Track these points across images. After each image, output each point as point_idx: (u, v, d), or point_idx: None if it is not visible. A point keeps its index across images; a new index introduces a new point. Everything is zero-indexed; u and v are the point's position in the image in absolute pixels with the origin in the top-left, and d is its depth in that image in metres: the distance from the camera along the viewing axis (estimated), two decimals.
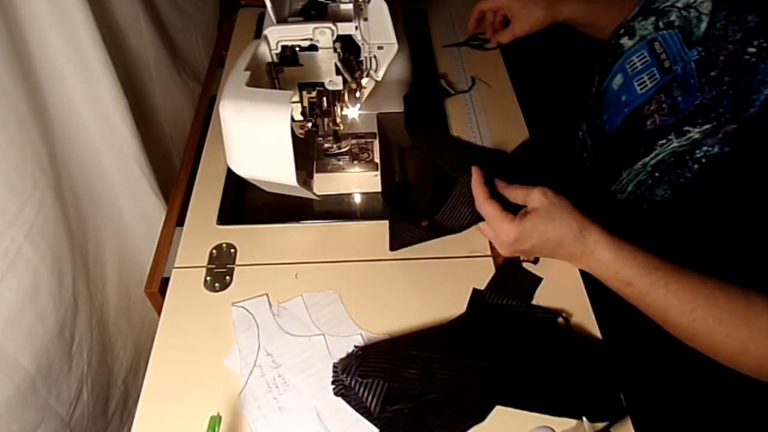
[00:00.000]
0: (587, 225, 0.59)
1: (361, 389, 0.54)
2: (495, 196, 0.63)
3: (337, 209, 0.76)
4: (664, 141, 0.62)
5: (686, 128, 0.59)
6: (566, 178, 0.76)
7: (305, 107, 0.71)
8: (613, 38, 0.73)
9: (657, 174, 0.63)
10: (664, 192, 0.63)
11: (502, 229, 0.61)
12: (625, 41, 0.71)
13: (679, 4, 0.65)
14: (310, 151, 0.78)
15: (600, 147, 0.74)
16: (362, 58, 0.73)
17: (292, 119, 0.64)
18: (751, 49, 0.55)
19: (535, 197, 0.60)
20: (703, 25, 0.61)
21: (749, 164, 0.55)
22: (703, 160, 0.58)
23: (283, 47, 0.66)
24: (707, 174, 0.58)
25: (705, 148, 0.58)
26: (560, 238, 0.59)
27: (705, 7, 0.62)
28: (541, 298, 0.64)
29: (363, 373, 0.54)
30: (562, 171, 0.82)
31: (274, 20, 0.65)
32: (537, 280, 0.65)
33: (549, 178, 0.64)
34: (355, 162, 0.77)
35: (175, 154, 1.00)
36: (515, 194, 0.63)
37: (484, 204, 0.63)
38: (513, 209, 0.62)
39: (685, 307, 0.54)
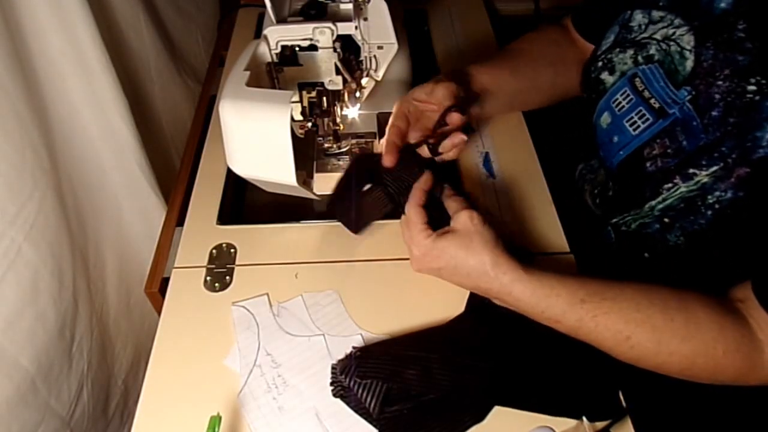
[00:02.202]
0: (501, 263, 0.55)
1: (360, 390, 0.54)
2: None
3: None
4: (670, 185, 0.59)
5: (691, 171, 0.57)
6: (563, 206, 0.74)
7: (305, 107, 0.71)
8: (593, 71, 0.70)
9: (666, 219, 0.61)
10: (677, 238, 0.61)
11: (416, 239, 0.58)
12: (606, 76, 0.68)
13: (657, 36, 0.63)
14: (310, 151, 0.78)
15: (601, 181, 0.73)
16: (362, 58, 0.73)
17: (292, 119, 0.64)
18: (751, 87, 0.54)
19: (460, 218, 0.57)
20: (689, 63, 0.59)
21: (767, 208, 0.53)
22: (717, 206, 0.56)
23: (283, 47, 0.66)
24: (723, 220, 0.56)
25: (717, 193, 0.56)
26: (469, 270, 0.56)
27: (686, 41, 0.59)
28: None
29: (362, 374, 0.54)
30: (567, 197, 0.79)
31: (274, 20, 0.65)
32: None
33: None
34: None
35: (175, 154, 1.00)
36: (450, 205, 0.60)
37: (414, 207, 0.59)
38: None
39: (619, 336, 0.52)
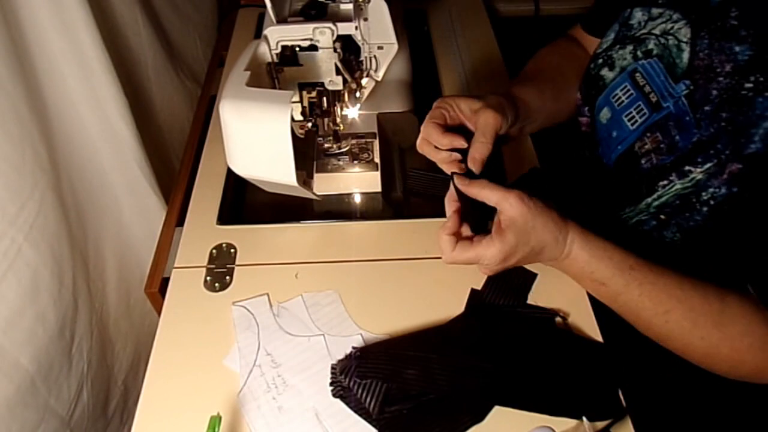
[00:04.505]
0: (564, 225, 0.56)
1: (360, 390, 0.54)
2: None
3: (337, 209, 0.76)
4: (666, 182, 0.60)
5: (687, 168, 0.57)
6: (572, 200, 0.73)
7: (305, 107, 0.71)
8: (592, 68, 0.71)
9: (663, 216, 0.62)
10: (673, 235, 0.62)
11: (486, 256, 0.55)
12: (606, 72, 0.68)
13: (656, 31, 0.63)
14: (310, 151, 0.78)
15: (601, 177, 0.73)
16: (362, 58, 0.73)
17: (292, 119, 0.64)
18: (748, 84, 0.54)
19: (512, 205, 0.54)
20: (685, 55, 0.59)
21: (761, 203, 0.54)
22: (712, 202, 0.56)
23: (283, 47, 0.66)
24: (718, 216, 0.57)
25: (711, 190, 0.56)
26: (543, 245, 0.56)
27: (683, 34, 0.60)
28: (541, 297, 0.64)
29: (361, 374, 0.54)
30: (567, 192, 0.78)
31: (274, 20, 0.65)
32: (532, 277, 0.65)
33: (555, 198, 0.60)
34: (355, 162, 0.77)
35: (175, 154, 1.00)
36: (490, 196, 0.56)
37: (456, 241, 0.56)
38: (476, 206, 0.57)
39: (659, 308, 0.54)
